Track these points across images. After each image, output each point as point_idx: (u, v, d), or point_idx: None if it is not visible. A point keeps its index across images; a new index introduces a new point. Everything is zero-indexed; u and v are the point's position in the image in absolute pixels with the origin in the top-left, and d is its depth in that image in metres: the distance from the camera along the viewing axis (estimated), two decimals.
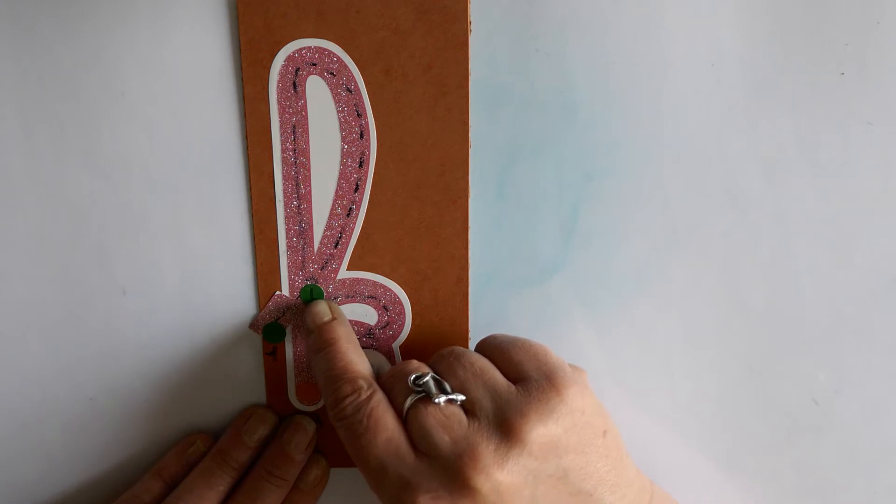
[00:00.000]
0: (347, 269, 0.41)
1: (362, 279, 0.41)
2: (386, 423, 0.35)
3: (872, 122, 0.40)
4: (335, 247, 0.41)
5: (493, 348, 0.38)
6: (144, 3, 0.37)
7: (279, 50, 0.38)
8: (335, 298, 0.41)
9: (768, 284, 0.42)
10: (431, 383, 0.35)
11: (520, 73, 0.39)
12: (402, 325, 0.42)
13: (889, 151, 0.40)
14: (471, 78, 0.38)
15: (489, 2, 0.38)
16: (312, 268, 0.41)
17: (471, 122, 0.39)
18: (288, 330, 0.42)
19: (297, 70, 0.38)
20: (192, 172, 0.40)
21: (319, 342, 0.39)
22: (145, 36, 0.38)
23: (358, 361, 0.38)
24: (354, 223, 0.40)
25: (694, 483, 0.45)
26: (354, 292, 0.41)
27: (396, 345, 0.42)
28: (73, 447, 0.43)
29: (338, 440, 0.44)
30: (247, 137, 0.39)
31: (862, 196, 0.41)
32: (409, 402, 0.35)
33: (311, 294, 0.41)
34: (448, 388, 0.35)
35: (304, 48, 0.38)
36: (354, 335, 0.40)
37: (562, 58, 0.39)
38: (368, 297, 0.41)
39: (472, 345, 0.42)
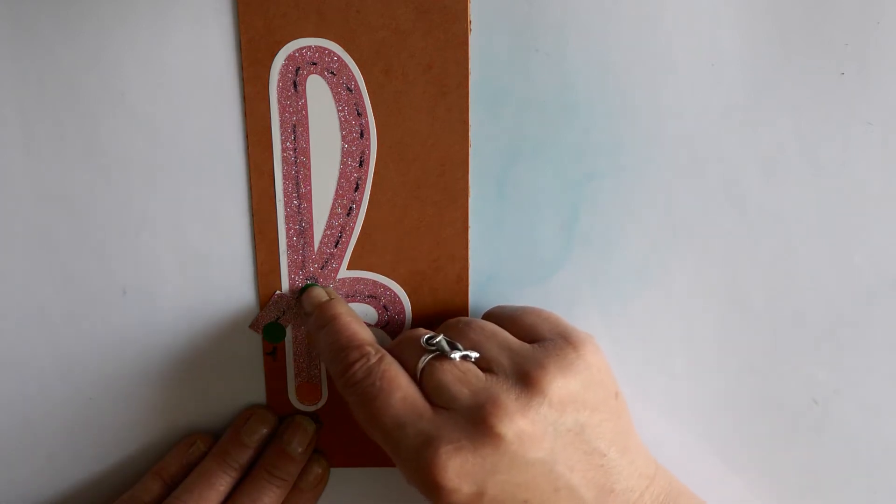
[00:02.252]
0: (347, 269, 0.41)
1: (362, 279, 0.41)
2: (400, 383, 0.35)
3: (872, 122, 0.40)
4: (335, 246, 0.41)
5: (501, 317, 0.38)
6: (144, 3, 0.37)
7: (279, 49, 0.38)
8: None
9: (768, 284, 0.42)
10: (444, 342, 0.35)
11: (520, 73, 0.39)
12: (402, 324, 0.42)
13: (889, 151, 0.40)
14: (471, 78, 0.39)
15: (489, 2, 0.38)
16: (312, 267, 0.41)
17: (471, 122, 0.39)
18: (288, 330, 0.42)
19: (298, 69, 0.38)
20: (192, 172, 0.40)
21: (321, 319, 0.39)
22: (145, 36, 0.38)
23: (362, 331, 0.38)
24: (354, 223, 0.40)
25: (693, 482, 0.44)
26: (354, 292, 0.41)
27: None
28: (73, 447, 0.43)
29: (338, 440, 0.44)
30: (247, 137, 0.39)
31: (862, 196, 0.41)
32: (423, 360, 0.35)
33: None
34: (461, 347, 0.35)
35: (305, 48, 0.38)
36: (355, 313, 0.40)
37: (562, 58, 0.39)
38: (368, 297, 0.41)
39: None
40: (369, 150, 0.39)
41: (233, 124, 0.39)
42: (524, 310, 0.38)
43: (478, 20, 0.38)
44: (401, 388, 0.34)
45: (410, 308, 0.42)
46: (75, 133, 0.39)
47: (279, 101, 0.38)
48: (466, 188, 0.40)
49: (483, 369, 0.35)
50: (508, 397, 0.33)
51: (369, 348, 0.36)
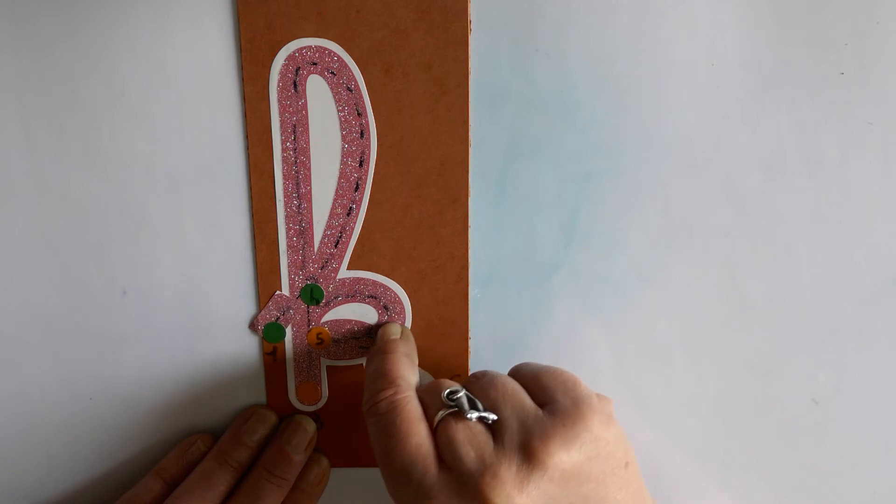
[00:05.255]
0: (347, 269, 0.41)
1: (362, 279, 0.41)
2: (418, 429, 0.35)
3: (872, 122, 0.40)
4: (335, 246, 0.41)
5: (524, 374, 0.38)
6: (145, 3, 0.37)
7: (279, 49, 0.38)
8: (335, 298, 0.41)
9: (768, 284, 0.42)
10: (465, 399, 0.36)
11: (520, 72, 0.39)
12: (403, 324, 0.42)
13: (889, 151, 0.40)
14: (471, 77, 0.39)
15: (489, 1, 0.38)
16: (312, 267, 0.41)
17: (471, 122, 0.39)
18: (288, 330, 0.42)
19: (298, 69, 0.38)
20: (192, 172, 0.40)
21: (378, 350, 0.40)
22: (145, 36, 0.38)
23: (405, 369, 0.38)
24: (354, 222, 0.40)
25: (694, 483, 0.44)
26: (355, 292, 0.41)
27: None
28: (73, 447, 0.43)
29: (338, 440, 0.44)
30: (247, 137, 0.39)
31: (862, 196, 0.41)
32: (440, 415, 0.35)
33: (311, 294, 0.41)
34: (480, 406, 0.36)
35: (305, 47, 0.38)
36: (416, 355, 0.41)
37: (562, 58, 0.39)
38: (369, 297, 0.41)
39: (472, 344, 0.42)
40: (369, 150, 0.39)
41: (233, 124, 0.39)
42: (545, 370, 0.38)
43: (478, 20, 0.38)
44: (418, 434, 0.35)
45: (410, 308, 0.42)
46: (75, 133, 0.39)
47: (279, 101, 0.38)
48: (466, 188, 0.40)
49: (493, 432, 0.35)
50: (509, 469, 0.33)
51: (401, 382, 0.37)
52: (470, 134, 0.39)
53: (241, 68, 0.38)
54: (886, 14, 0.38)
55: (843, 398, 0.43)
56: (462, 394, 0.36)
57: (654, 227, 0.41)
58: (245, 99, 0.38)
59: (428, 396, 0.37)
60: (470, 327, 0.42)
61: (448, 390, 0.36)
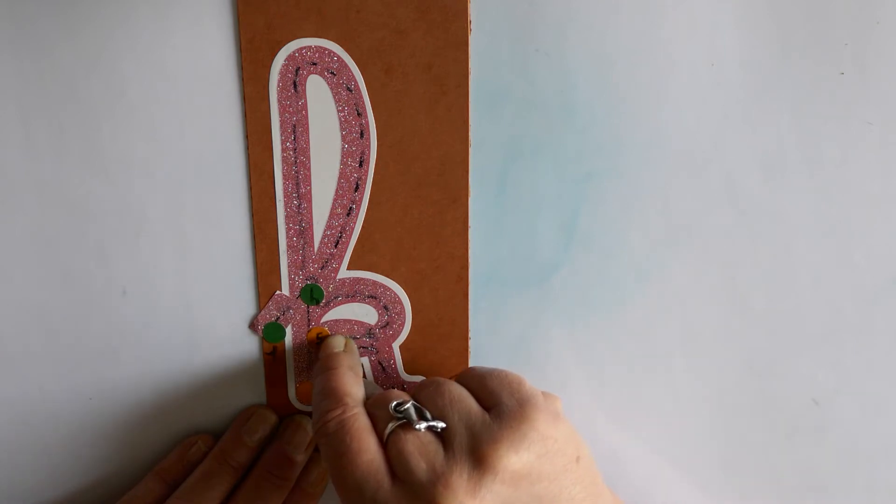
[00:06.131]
0: (347, 269, 0.41)
1: (362, 279, 0.41)
2: (368, 445, 0.35)
3: (872, 122, 0.40)
4: (335, 246, 0.41)
5: (470, 378, 0.38)
6: (145, 3, 0.37)
7: (279, 49, 0.38)
8: (335, 298, 0.41)
9: (768, 284, 0.42)
10: (412, 410, 0.36)
11: (520, 72, 0.39)
12: (402, 324, 0.42)
13: (889, 151, 0.40)
14: (471, 77, 0.39)
15: (489, 1, 0.38)
16: (312, 267, 0.41)
17: (471, 122, 0.39)
18: (288, 330, 0.42)
19: (298, 69, 0.38)
20: (192, 172, 0.40)
21: (322, 367, 0.40)
22: (145, 36, 0.38)
23: (351, 385, 0.38)
24: (354, 223, 0.40)
25: (694, 483, 0.45)
26: (354, 292, 0.41)
27: (396, 344, 0.42)
28: (73, 448, 0.43)
29: None
30: (247, 137, 0.39)
31: (862, 196, 0.41)
32: (389, 427, 0.35)
33: (311, 294, 0.41)
34: (428, 415, 0.36)
35: (305, 47, 0.38)
36: (360, 368, 0.41)
37: (562, 58, 0.39)
38: (368, 297, 0.41)
39: (472, 344, 0.42)
40: (369, 150, 0.39)
41: (233, 124, 0.39)
42: (490, 373, 0.38)
43: (478, 20, 0.38)
44: (368, 451, 0.35)
45: (410, 308, 0.42)
46: (75, 133, 0.39)
47: (279, 101, 0.38)
48: (466, 188, 0.40)
49: (443, 440, 0.35)
50: (460, 477, 0.33)
51: (348, 400, 0.37)
52: (470, 134, 0.39)
53: (241, 68, 0.38)
54: (886, 14, 0.38)
55: (843, 398, 0.44)
56: (409, 404, 0.36)
57: (654, 227, 0.41)
58: (245, 99, 0.38)
59: (376, 409, 0.37)
60: (470, 327, 0.42)
61: (395, 402, 0.36)
